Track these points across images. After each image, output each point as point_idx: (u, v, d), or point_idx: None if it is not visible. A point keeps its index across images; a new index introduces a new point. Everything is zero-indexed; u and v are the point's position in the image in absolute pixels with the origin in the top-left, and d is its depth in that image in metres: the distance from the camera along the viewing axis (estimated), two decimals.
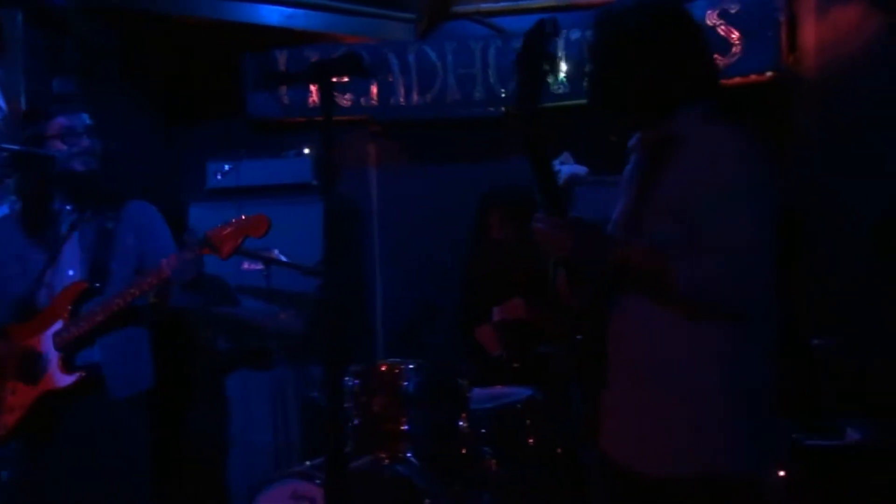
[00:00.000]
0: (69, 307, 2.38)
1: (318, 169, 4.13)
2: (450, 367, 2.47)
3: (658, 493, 1.56)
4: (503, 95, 4.23)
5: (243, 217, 2.31)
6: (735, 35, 3.72)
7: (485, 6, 4.41)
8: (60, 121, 2.44)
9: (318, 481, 2.46)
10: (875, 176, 2.79)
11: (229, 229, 2.29)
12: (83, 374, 2.33)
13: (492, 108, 4.25)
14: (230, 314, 3.42)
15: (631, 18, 1.64)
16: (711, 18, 3.77)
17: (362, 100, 4.34)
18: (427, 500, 2.45)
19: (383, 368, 2.42)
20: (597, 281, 1.65)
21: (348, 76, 1.74)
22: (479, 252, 3.72)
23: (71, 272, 2.43)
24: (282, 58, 4.32)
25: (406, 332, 4.39)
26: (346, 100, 4.34)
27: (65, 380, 2.34)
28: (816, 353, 2.89)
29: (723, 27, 3.74)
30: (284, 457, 3.25)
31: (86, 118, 2.47)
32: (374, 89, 4.33)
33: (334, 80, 1.64)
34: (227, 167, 4.10)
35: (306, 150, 4.19)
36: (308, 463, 2.54)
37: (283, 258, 3.14)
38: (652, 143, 1.66)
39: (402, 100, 4.34)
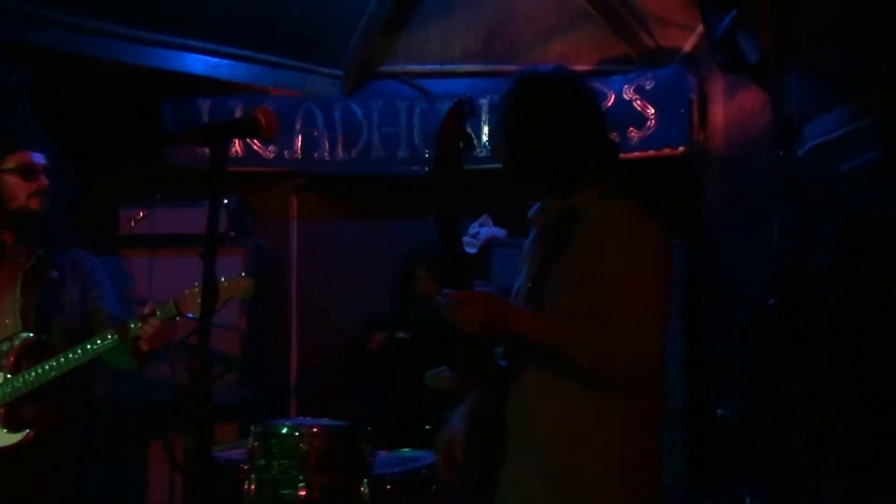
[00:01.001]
0: (14, 359, 2.27)
1: (236, 220, 4.07)
2: (353, 429, 2.42)
3: None
4: (426, 155, 4.29)
5: (227, 279, 2.25)
6: (651, 111, 3.90)
7: (411, 67, 4.49)
8: (20, 156, 2.37)
9: None
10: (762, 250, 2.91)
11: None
12: (30, 433, 2.23)
13: (415, 167, 4.29)
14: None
15: (533, 89, 1.70)
16: (628, 93, 3.94)
17: (286, 153, 4.32)
18: None
19: (283, 430, 2.36)
20: (502, 353, 1.66)
21: (246, 138, 1.74)
22: (403, 307, 3.71)
23: (8, 321, 2.33)
24: (205, 106, 4.27)
25: (320, 388, 4.32)
26: (269, 152, 4.31)
27: (9, 438, 2.24)
28: (719, 420, 2.96)
29: (638, 101, 3.91)
30: None
31: (42, 158, 2.42)
32: (299, 143, 4.33)
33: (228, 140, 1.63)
34: (140, 213, 4.01)
35: (225, 200, 4.12)
36: None
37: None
38: (554, 214, 1.70)
39: (326, 154, 4.34)
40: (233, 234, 4.04)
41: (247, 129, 1.64)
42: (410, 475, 2.52)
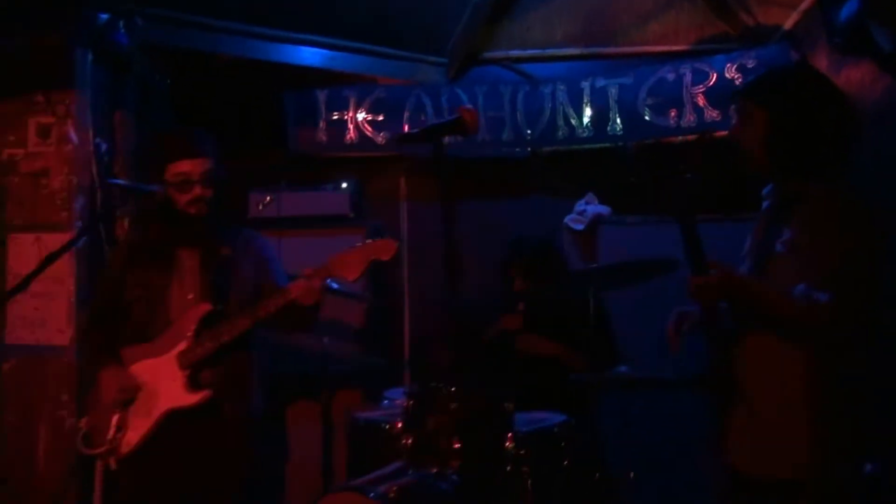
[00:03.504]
0: (193, 328, 2.52)
1: (354, 202, 4.37)
2: (498, 390, 2.67)
3: (773, 494, 1.80)
4: (529, 137, 4.48)
5: (369, 241, 2.42)
6: None
7: (513, 53, 4.67)
8: (176, 166, 2.57)
9: (371, 494, 2.66)
10: None
11: (355, 254, 2.40)
12: (208, 392, 2.49)
13: (518, 149, 4.50)
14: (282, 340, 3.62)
15: (806, 87, 1.93)
16: (730, 72, 4.05)
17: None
18: None
19: (438, 390, 2.62)
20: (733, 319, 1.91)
21: (456, 134, 1.97)
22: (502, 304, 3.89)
23: (191, 296, 2.59)
24: (322, 96, 4.57)
25: (430, 360, 4.59)
26: (381, 138, 4.58)
27: (190, 398, 2.49)
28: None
29: (739, 80, 4.01)
30: (330, 478, 3.43)
31: (200, 164, 2.58)
32: (407, 128, 4.57)
33: (444, 139, 1.86)
34: (268, 198, 4.33)
35: (344, 184, 4.42)
36: (364, 477, 2.73)
37: (335, 286, 3.34)
38: (789, 193, 1.92)
39: None
40: (352, 215, 4.36)
41: (456, 127, 1.87)
42: (543, 432, 2.77)
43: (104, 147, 3.67)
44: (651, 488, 3.17)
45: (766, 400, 1.86)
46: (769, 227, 1.96)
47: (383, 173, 4.72)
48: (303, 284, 2.44)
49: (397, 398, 3.45)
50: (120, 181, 2.49)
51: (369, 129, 4.56)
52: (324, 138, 4.57)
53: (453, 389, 2.62)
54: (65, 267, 3.35)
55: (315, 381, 3.67)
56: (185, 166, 2.56)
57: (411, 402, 2.60)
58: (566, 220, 4.25)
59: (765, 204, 2.08)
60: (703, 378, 1.97)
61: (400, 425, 2.69)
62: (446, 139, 2.16)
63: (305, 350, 3.70)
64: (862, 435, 1.85)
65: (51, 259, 2.26)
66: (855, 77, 3.41)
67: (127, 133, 3.85)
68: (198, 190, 2.57)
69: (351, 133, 4.56)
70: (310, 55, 4.51)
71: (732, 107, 2.06)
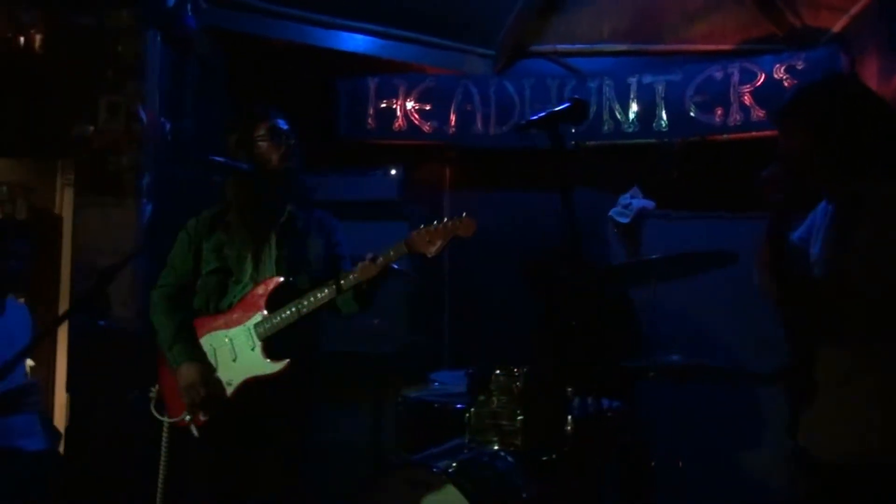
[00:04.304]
0: (266, 300, 2.61)
1: (402, 189, 4.47)
2: (558, 374, 2.78)
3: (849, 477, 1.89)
4: (575, 130, 4.56)
5: (449, 219, 2.47)
6: None
7: (561, 47, 4.75)
8: (268, 123, 2.69)
9: (434, 468, 2.77)
10: None
11: (436, 231, 2.46)
12: (290, 361, 2.56)
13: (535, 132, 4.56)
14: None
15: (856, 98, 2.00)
16: (778, 73, 4.13)
17: (443, 127, 4.67)
18: (520, 493, 2.76)
19: (499, 372, 2.73)
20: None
21: (572, 121, 2.06)
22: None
23: (266, 269, 2.67)
24: (373, 84, 4.66)
25: (468, 342, 4.70)
26: (428, 126, 4.67)
27: (270, 367, 2.57)
28: None
29: (789, 81, 4.09)
30: (378, 455, 3.54)
31: (285, 123, 2.72)
32: (454, 118, 4.66)
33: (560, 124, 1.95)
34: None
35: (392, 171, 4.52)
36: (423, 453, 2.84)
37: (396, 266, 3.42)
38: (843, 197, 2.00)
39: (479, 128, 4.66)
40: (399, 201, 4.46)
41: (570, 115, 1.95)
42: (600, 416, 2.88)
43: (168, 126, 3.78)
44: (699, 477, 3.27)
45: (844, 386, 1.93)
46: (840, 231, 2.00)
47: (429, 161, 4.82)
48: (385, 260, 2.52)
49: (446, 380, 3.56)
50: (218, 158, 2.56)
51: (417, 117, 4.65)
52: (373, 125, 4.66)
53: (517, 371, 2.74)
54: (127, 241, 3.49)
55: (361, 361, 3.76)
56: (277, 121, 2.71)
57: (472, 385, 2.71)
58: (611, 212, 4.34)
59: (824, 210, 2.12)
60: (776, 368, 2.05)
61: (458, 405, 2.80)
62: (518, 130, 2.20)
63: (353, 330, 3.80)
64: None
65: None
66: None
67: (188, 113, 3.95)
68: (291, 142, 2.70)
69: (399, 121, 4.66)
70: (361, 42, 4.60)
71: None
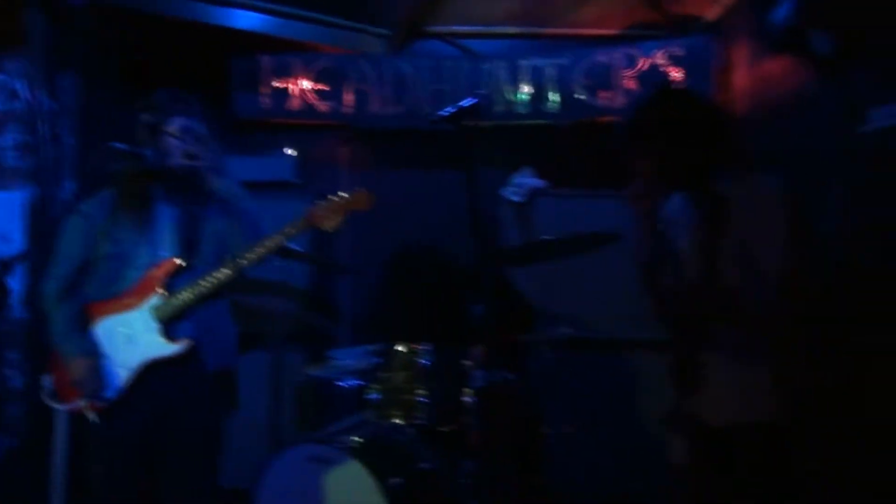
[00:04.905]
0: (163, 282, 2.59)
1: (299, 168, 4.47)
2: (456, 348, 2.89)
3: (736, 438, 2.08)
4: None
5: (345, 194, 2.51)
6: (680, 75, 4.32)
7: (456, 28, 4.84)
8: (181, 121, 2.64)
9: (336, 444, 2.84)
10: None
11: (334, 205, 2.51)
12: (186, 343, 2.56)
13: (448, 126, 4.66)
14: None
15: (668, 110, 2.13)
16: (660, 58, 4.36)
17: (340, 107, 4.68)
18: (422, 465, 2.88)
19: (401, 349, 2.83)
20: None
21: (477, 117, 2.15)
22: None
23: (162, 251, 2.64)
24: (266, 62, 4.63)
25: (370, 325, 4.77)
26: (324, 106, 4.67)
27: (168, 348, 2.56)
28: None
29: (669, 67, 4.33)
30: (278, 434, 3.56)
31: (202, 128, 2.68)
32: (350, 97, 4.68)
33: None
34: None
35: (289, 151, 4.51)
36: (327, 430, 2.91)
37: (297, 248, 3.43)
38: (703, 200, 2.12)
39: (377, 108, 4.71)
40: (295, 181, 4.47)
41: (477, 110, 2.03)
42: (490, 388, 3.02)
43: (50, 106, 3.64)
44: (588, 442, 3.47)
45: (731, 352, 2.09)
46: (707, 232, 2.09)
47: (326, 142, 4.82)
48: (283, 236, 2.55)
49: (346, 358, 3.63)
50: (119, 145, 2.51)
51: (313, 97, 4.65)
52: (267, 104, 4.63)
53: (417, 347, 2.83)
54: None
55: (259, 342, 3.77)
56: (191, 121, 2.66)
57: (377, 359, 2.80)
58: (504, 191, 4.48)
59: (680, 211, 2.25)
60: (659, 339, 2.18)
61: (359, 382, 2.88)
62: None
63: (250, 309, 3.80)
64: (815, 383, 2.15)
65: None
66: (774, 70, 3.75)
67: (73, 92, 3.82)
68: (202, 144, 2.67)
69: (295, 100, 4.64)
70: (255, 20, 4.53)
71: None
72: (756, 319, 2.04)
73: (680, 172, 2.12)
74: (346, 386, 3.22)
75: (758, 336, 2.07)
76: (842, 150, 2.99)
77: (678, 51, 4.33)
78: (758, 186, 2.08)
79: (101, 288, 2.65)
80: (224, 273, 2.58)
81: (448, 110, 2.23)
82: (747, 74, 4.08)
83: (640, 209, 2.14)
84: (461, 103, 2.24)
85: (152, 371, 2.59)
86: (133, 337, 2.61)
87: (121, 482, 2.60)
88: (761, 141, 3.87)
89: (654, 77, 4.34)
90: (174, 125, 2.65)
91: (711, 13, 4.43)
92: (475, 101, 2.21)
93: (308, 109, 4.67)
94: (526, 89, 4.61)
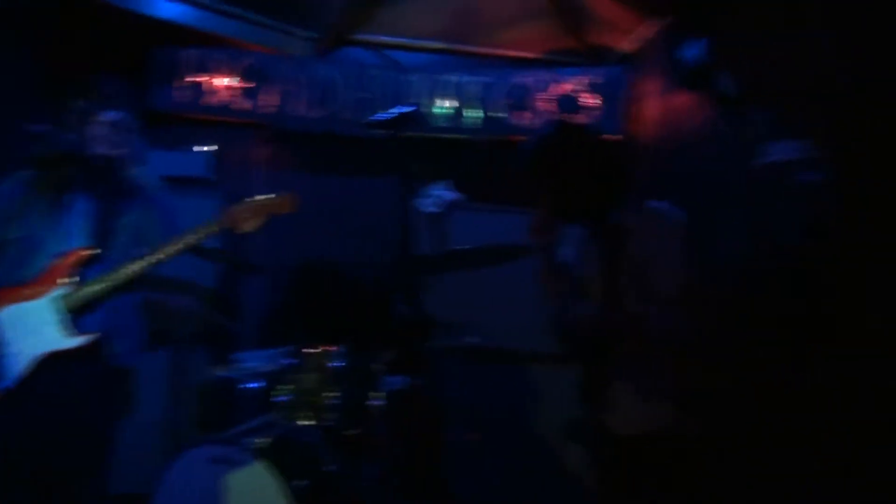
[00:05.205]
0: (70, 272, 2.51)
1: (216, 166, 4.41)
2: (366, 353, 2.93)
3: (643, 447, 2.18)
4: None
5: (267, 196, 2.49)
6: (595, 102, 4.51)
7: (384, 38, 4.89)
8: (114, 111, 2.60)
9: (240, 445, 2.82)
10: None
11: (254, 207, 2.49)
12: (90, 336, 2.48)
13: (381, 131, 4.71)
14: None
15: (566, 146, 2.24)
16: (578, 84, 4.54)
17: (262, 106, 4.65)
18: (327, 467, 2.89)
19: (313, 352, 2.84)
20: None
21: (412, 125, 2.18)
22: None
23: (73, 241, 2.56)
24: (188, 56, 4.55)
25: (280, 327, 4.73)
26: (245, 104, 4.63)
27: (69, 341, 2.47)
28: None
29: (587, 93, 4.51)
30: (176, 437, 3.48)
31: (130, 120, 2.64)
32: (273, 98, 4.65)
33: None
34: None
35: (205, 147, 4.44)
36: (233, 430, 2.89)
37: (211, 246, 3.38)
38: (598, 231, 2.25)
39: (298, 111, 4.70)
40: (211, 178, 4.40)
41: (413, 119, 2.06)
42: (402, 392, 3.08)
43: None
44: (490, 450, 3.56)
45: (636, 368, 2.20)
46: (607, 260, 2.22)
47: (244, 140, 4.78)
48: (197, 236, 2.52)
49: (251, 360, 3.59)
50: (39, 127, 2.43)
51: (233, 94, 4.60)
52: (185, 98, 4.55)
53: (327, 350, 2.86)
54: None
55: (160, 340, 3.69)
56: (119, 114, 2.62)
57: (289, 361, 2.80)
58: (419, 203, 4.54)
59: (580, 243, 2.36)
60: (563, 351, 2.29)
61: (268, 384, 2.87)
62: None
63: (151, 307, 3.72)
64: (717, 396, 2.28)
65: None
66: (681, 103, 3.98)
67: None
68: (124, 133, 2.63)
69: (213, 96, 4.58)
70: (179, 11, 4.45)
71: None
72: (656, 336, 2.16)
73: (576, 206, 2.21)
74: (251, 388, 3.20)
75: (659, 351, 2.20)
76: (741, 180, 3.22)
77: (595, 78, 4.52)
78: (652, 215, 2.21)
79: (7, 273, 2.55)
80: (137, 266, 2.53)
81: (384, 115, 2.25)
82: (658, 105, 4.29)
83: (538, 241, 2.22)
84: (400, 109, 2.27)
85: (50, 363, 2.51)
86: (35, 327, 2.52)
87: (8, 478, 2.50)
88: (668, 168, 4.09)
89: (569, 102, 4.51)
90: (108, 115, 2.61)
91: (628, 45, 4.65)
92: (413, 108, 2.24)
93: (227, 106, 4.62)
94: (447, 104, 4.70)
